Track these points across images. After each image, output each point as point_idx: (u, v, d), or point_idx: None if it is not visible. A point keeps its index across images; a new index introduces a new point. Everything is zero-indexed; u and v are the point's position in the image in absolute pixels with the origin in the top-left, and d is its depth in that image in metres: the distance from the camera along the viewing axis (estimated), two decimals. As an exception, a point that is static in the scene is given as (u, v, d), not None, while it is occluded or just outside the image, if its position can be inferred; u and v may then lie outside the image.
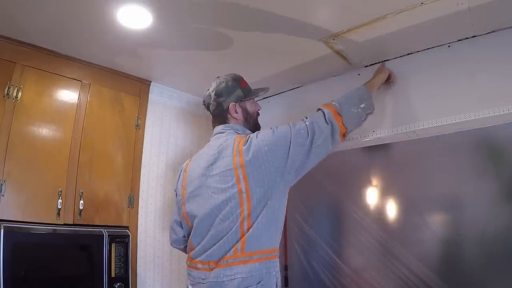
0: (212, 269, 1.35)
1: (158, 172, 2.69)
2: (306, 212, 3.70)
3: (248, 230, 1.32)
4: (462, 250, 2.94)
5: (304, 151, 1.38)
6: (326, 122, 1.45)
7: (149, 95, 2.71)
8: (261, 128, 1.64)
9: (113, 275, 2.13)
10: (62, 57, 2.30)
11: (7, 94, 2.03)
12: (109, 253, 2.15)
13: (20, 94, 2.08)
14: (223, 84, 1.57)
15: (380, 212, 3.50)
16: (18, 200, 1.99)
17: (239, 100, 1.56)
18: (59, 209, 2.09)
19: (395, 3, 1.78)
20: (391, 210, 3.49)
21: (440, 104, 2.06)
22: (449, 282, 2.93)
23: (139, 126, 2.60)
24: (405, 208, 3.36)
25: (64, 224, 2.09)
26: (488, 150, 2.89)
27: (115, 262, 2.16)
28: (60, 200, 2.10)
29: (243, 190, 1.35)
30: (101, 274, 2.08)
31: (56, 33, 2.09)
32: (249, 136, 1.43)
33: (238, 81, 1.59)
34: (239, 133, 1.51)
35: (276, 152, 1.36)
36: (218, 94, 1.56)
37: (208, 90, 1.62)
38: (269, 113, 2.96)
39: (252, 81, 2.67)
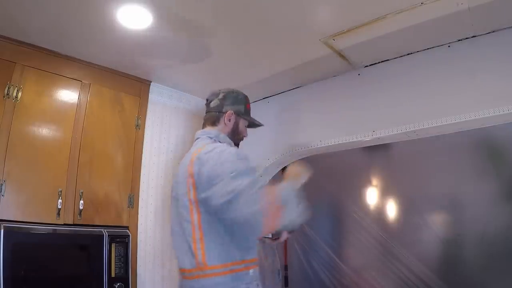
0: (184, 277, 1.38)
1: (158, 172, 2.69)
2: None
3: (202, 241, 1.32)
4: (462, 250, 2.94)
5: (221, 204, 1.29)
6: (257, 203, 1.26)
7: (149, 95, 2.71)
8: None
9: (113, 275, 2.12)
10: (62, 57, 2.30)
11: (7, 94, 2.03)
12: (109, 253, 2.15)
13: (20, 94, 2.08)
14: (235, 94, 1.66)
15: (380, 212, 3.50)
16: (18, 200, 1.98)
17: (238, 114, 1.62)
18: (59, 209, 2.09)
19: (395, 3, 1.78)
20: (391, 210, 3.49)
21: (440, 104, 2.06)
22: (449, 282, 2.93)
23: (139, 126, 2.60)
24: (405, 208, 3.36)
25: (64, 224, 2.09)
26: (488, 150, 2.89)
27: (115, 262, 2.16)
28: (60, 200, 2.10)
29: (192, 200, 1.35)
30: (101, 274, 2.08)
31: (56, 33, 2.09)
32: (205, 148, 1.43)
33: (246, 100, 1.68)
34: (210, 137, 1.55)
35: (206, 180, 1.33)
36: (225, 97, 1.63)
37: (220, 90, 1.67)
38: (269, 113, 2.96)
39: (252, 81, 2.69)
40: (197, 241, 1.32)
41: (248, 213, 1.24)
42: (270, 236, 1.51)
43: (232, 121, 1.60)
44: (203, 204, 1.34)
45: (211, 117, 1.62)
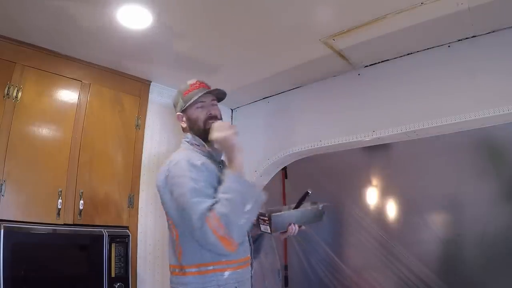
0: (170, 272, 1.49)
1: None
2: (306, 212, 3.70)
3: (177, 242, 1.42)
4: (462, 250, 2.94)
5: (181, 222, 1.37)
6: (209, 239, 1.26)
7: (149, 95, 2.71)
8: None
9: (113, 275, 2.13)
10: (62, 57, 2.30)
11: (7, 94, 2.03)
12: (109, 253, 2.15)
13: (20, 94, 2.08)
14: (173, 97, 1.62)
15: (380, 212, 3.50)
16: (18, 200, 1.98)
17: (181, 109, 1.56)
18: (59, 209, 2.09)
19: (395, 3, 1.78)
20: (391, 210, 3.49)
21: (440, 104, 2.06)
22: (449, 282, 2.93)
23: (139, 126, 2.60)
24: (405, 208, 3.36)
25: (64, 224, 2.09)
26: (488, 150, 2.89)
27: (115, 262, 2.16)
28: (60, 200, 2.10)
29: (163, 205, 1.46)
30: (101, 274, 2.08)
31: (56, 33, 2.09)
32: (166, 162, 1.46)
33: (181, 91, 1.57)
34: (187, 141, 1.55)
35: (163, 196, 1.43)
36: (173, 106, 1.63)
37: None
38: (269, 113, 2.96)
39: (252, 81, 2.69)
40: (176, 242, 1.42)
41: (200, 234, 1.26)
42: (269, 231, 1.48)
43: (185, 119, 1.55)
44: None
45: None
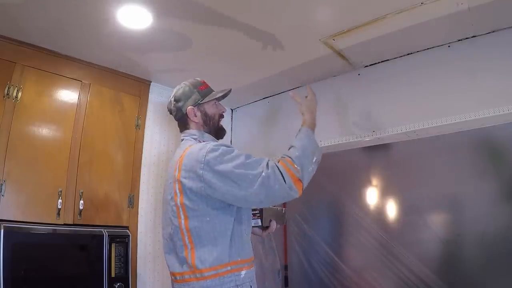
0: (175, 281, 1.38)
1: (158, 172, 2.69)
2: (306, 212, 3.70)
3: (191, 245, 1.32)
4: (462, 251, 2.94)
5: (241, 193, 1.30)
6: (285, 182, 1.30)
7: (149, 95, 2.72)
8: (225, 132, 1.64)
9: (113, 275, 2.13)
10: (62, 57, 2.30)
11: (7, 94, 2.03)
12: (109, 253, 2.15)
13: (20, 94, 2.08)
14: (181, 90, 1.58)
15: (380, 212, 3.50)
16: (18, 200, 1.99)
17: (197, 103, 1.54)
18: (59, 209, 2.09)
19: (395, 3, 1.79)
20: (391, 210, 3.49)
21: (440, 104, 2.06)
22: (449, 282, 2.92)
23: (139, 126, 2.60)
24: (405, 208, 3.36)
25: (64, 224, 2.09)
26: (488, 150, 2.89)
27: (115, 262, 2.16)
28: (60, 200, 2.10)
29: (179, 203, 1.35)
30: (101, 274, 2.08)
31: (56, 33, 2.09)
32: (188, 150, 1.40)
33: (195, 85, 1.56)
34: (194, 138, 1.51)
35: (210, 180, 1.31)
36: (176, 99, 1.57)
37: (170, 96, 1.63)
38: (270, 112, 2.96)
39: (252, 81, 2.69)
40: (187, 245, 1.32)
41: (282, 182, 1.30)
42: (260, 224, 1.55)
43: (198, 114, 1.54)
44: (190, 209, 1.33)
45: (181, 124, 1.59)
